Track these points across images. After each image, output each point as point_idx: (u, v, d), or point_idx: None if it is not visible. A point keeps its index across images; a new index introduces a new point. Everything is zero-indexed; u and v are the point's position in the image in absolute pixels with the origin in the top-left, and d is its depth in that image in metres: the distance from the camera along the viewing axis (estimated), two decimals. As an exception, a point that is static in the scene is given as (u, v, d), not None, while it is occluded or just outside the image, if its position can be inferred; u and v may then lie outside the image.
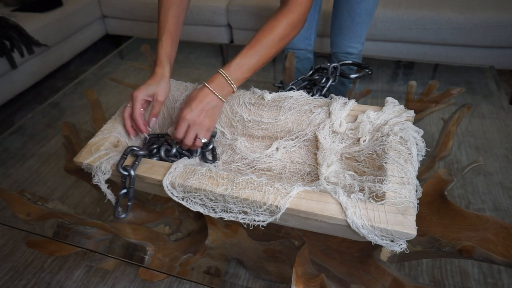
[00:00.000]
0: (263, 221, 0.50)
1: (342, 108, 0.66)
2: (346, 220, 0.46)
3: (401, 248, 0.46)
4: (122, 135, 0.67)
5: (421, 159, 0.57)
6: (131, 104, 0.67)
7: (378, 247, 0.54)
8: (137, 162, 0.57)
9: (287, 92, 0.72)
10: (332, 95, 0.69)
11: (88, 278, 1.06)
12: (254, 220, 0.51)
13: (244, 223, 0.51)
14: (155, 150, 0.65)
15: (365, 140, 0.62)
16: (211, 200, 0.53)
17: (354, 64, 0.96)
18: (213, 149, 0.70)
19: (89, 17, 2.21)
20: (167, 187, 0.54)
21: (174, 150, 0.65)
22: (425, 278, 0.71)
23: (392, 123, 0.61)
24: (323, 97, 0.72)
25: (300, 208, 0.47)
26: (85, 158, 0.60)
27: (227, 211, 0.53)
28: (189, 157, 0.65)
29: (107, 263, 0.77)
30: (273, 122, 0.71)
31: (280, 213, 0.48)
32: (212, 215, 0.53)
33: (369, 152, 0.60)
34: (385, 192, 0.48)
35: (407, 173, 0.51)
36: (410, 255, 0.54)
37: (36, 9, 1.97)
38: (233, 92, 0.66)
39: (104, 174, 0.58)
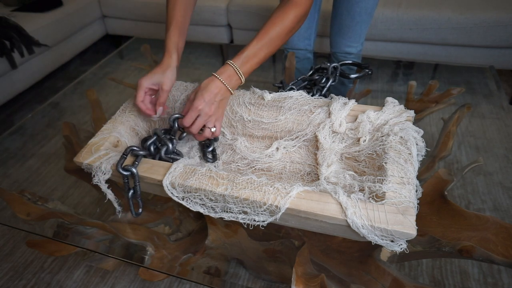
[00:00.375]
0: (263, 221, 0.50)
1: (342, 108, 0.66)
2: (346, 220, 0.46)
3: (401, 248, 0.46)
4: (122, 135, 0.67)
5: (421, 159, 0.57)
6: (138, 91, 0.68)
7: (378, 247, 0.54)
8: (137, 162, 0.57)
9: (287, 92, 0.72)
10: (332, 95, 0.69)
11: (88, 278, 1.06)
12: (254, 220, 0.51)
13: (244, 223, 0.51)
14: (154, 150, 0.65)
15: (365, 140, 0.62)
16: (211, 200, 0.53)
17: (354, 64, 0.96)
18: (213, 150, 0.70)
19: (89, 17, 2.21)
20: (167, 187, 0.54)
21: (170, 146, 0.65)
22: (425, 278, 0.71)
23: (392, 123, 0.61)
24: (323, 97, 0.72)
25: (300, 208, 0.47)
26: (85, 158, 0.60)
27: (227, 211, 0.53)
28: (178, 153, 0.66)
29: (107, 263, 0.77)
30: (273, 122, 0.71)
31: (280, 213, 0.48)
32: (212, 215, 0.53)
33: (369, 152, 0.60)
34: (385, 192, 0.48)
35: (407, 173, 0.51)
36: (410, 255, 0.54)
37: (36, 9, 1.97)
38: (241, 83, 0.66)
39: (104, 174, 0.58)
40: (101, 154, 0.60)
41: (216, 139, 0.72)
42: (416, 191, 0.50)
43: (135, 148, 0.59)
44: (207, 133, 0.65)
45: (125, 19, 2.26)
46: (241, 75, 0.64)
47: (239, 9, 1.89)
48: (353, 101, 0.67)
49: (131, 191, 0.58)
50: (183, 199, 0.54)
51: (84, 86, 1.12)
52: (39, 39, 1.83)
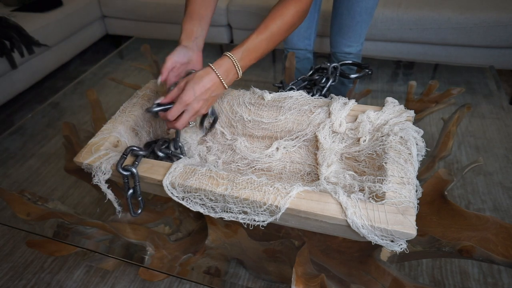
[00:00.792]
0: (263, 221, 0.50)
1: (342, 108, 0.66)
2: (346, 220, 0.46)
3: (401, 248, 0.46)
4: (122, 135, 0.67)
5: (421, 159, 0.57)
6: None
7: (378, 247, 0.54)
8: (137, 162, 0.57)
9: (287, 92, 0.72)
10: (332, 95, 0.69)
11: (88, 278, 1.06)
12: (254, 220, 0.51)
13: (244, 223, 0.51)
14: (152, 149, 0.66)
15: (365, 140, 0.62)
16: (211, 200, 0.53)
17: (354, 64, 0.96)
18: (215, 120, 0.69)
19: (89, 17, 2.21)
20: (167, 187, 0.54)
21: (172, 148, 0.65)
22: (425, 278, 0.70)
23: (392, 123, 0.61)
24: (323, 97, 0.72)
25: (300, 208, 0.47)
26: (85, 158, 0.60)
27: (227, 211, 0.53)
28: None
29: (107, 263, 0.77)
30: (273, 122, 0.71)
31: (280, 213, 0.48)
32: (212, 215, 0.53)
33: (369, 152, 0.60)
34: (385, 192, 0.48)
35: (407, 173, 0.51)
36: (410, 255, 0.54)
37: (36, 9, 1.97)
38: (238, 78, 0.63)
39: (104, 174, 0.58)
40: (101, 154, 0.60)
41: (215, 117, 0.69)
42: (416, 191, 0.50)
43: (135, 148, 0.59)
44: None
45: (125, 19, 2.26)
46: (239, 70, 0.61)
47: (239, 9, 1.90)
48: (353, 101, 0.67)
49: (131, 191, 0.58)
50: (183, 199, 0.54)
51: (84, 86, 1.11)
52: (39, 39, 1.83)
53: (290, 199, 0.48)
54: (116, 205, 0.62)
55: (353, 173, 0.59)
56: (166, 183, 0.54)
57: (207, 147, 0.74)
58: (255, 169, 0.69)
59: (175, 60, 0.66)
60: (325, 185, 0.52)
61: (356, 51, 1.14)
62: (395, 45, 1.74)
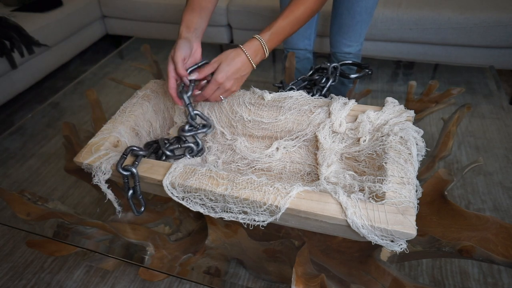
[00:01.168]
0: (263, 221, 0.50)
1: (342, 108, 0.66)
2: (346, 220, 0.46)
3: (401, 248, 0.46)
4: (122, 135, 0.67)
5: (421, 159, 0.57)
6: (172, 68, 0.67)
7: (378, 247, 0.54)
8: (137, 162, 0.57)
9: (287, 92, 0.72)
10: (332, 95, 0.69)
11: (88, 278, 1.06)
12: (254, 220, 0.51)
13: (244, 223, 0.51)
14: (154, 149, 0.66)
15: (365, 140, 0.62)
16: (211, 200, 0.53)
17: (354, 64, 0.96)
18: (201, 150, 0.71)
19: (89, 17, 2.21)
20: (167, 187, 0.54)
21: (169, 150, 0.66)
22: (425, 278, 0.70)
23: (392, 123, 0.61)
24: (323, 97, 0.72)
25: (300, 208, 0.47)
26: (85, 158, 0.60)
27: (227, 211, 0.53)
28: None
29: (107, 263, 0.77)
30: (273, 122, 0.71)
31: (280, 213, 0.48)
32: (212, 215, 0.53)
33: (369, 152, 0.60)
34: (385, 192, 0.48)
35: (407, 173, 0.51)
36: (410, 255, 0.54)
37: (36, 9, 1.97)
38: (265, 58, 0.68)
39: (104, 174, 0.58)
40: (101, 154, 0.60)
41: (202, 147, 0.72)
42: (416, 191, 0.50)
43: (135, 148, 0.59)
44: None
45: (125, 19, 2.26)
46: (266, 51, 0.66)
47: (239, 9, 1.90)
48: (353, 101, 0.67)
49: (131, 191, 0.58)
50: (183, 199, 0.54)
51: (84, 86, 1.11)
52: (39, 39, 1.83)
53: (290, 199, 0.48)
54: (116, 205, 0.62)
55: (353, 173, 0.59)
56: (166, 183, 0.54)
57: (207, 147, 0.74)
58: (255, 169, 0.69)
59: (183, 56, 0.67)
60: (325, 185, 0.52)
61: (356, 51, 1.14)
62: (395, 45, 1.74)
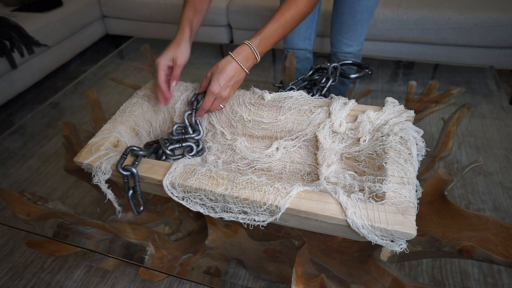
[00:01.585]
0: (263, 221, 0.50)
1: (342, 108, 0.66)
2: (346, 220, 0.46)
3: (401, 248, 0.46)
4: (122, 135, 0.67)
5: (421, 159, 0.57)
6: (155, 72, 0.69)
7: (378, 247, 0.54)
8: (137, 162, 0.57)
9: (287, 92, 0.71)
10: (332, 95, 0.69)
11: (88, 278, 1.06)
12: (254, 220, 0.51)
13: (244, 223, 0.51)
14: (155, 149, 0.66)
15: (365, 140, 0.62)
16: (211, 200, 0.53)
17: (354, 64, 0.96)
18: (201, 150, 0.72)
19: (89, 17, 2.21)
20: (167, 187, 0.54)
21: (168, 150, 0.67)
22: (425, 278, 0.71)
23: (392, 123, 0.61)
24: (323, 97, 0.72)
25: (300, 208, 0.47)
26: (85, 158, 0.60)
27: (227, 211, 0.53)
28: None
29: (107, 263, 0.77)
30: (273, 122, 0.71)
31: (280, 213, 0.48)
32: (212, 215, 0.53)
33: (369, 152, 0.60)
34: (385, 192, 0.48)
35: (407, 173, 0.51)
36: (410, 255, 0.54)
37: (36, 9, 1.97)
38: (256, 63, 0.68)
39: (104, 174, 0.58)
40: (101, 154, 0.60)
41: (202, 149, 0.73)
42: (416, 191, 0.50)
43: (135, 148, 0.59)
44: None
45: (125, 19, 2.26)
46: (257, 55, 0.67)
47: (239, 9, 1.90)
48: (353, 101, 0.67)
49: (131, 191, 0.58)
50: (183, 199, 0.54)
51: (84, 86, 1.11)
52: (39, 39, 1.83)
53: (290, 199, 0.48)
54: (116, 205, 0.62)
55: (353, 173, 0.59)
56: (166, 183, 0.54)
57: (207, 147, 0.74)
58: (255, 169, 0.69)
59: (165, 67, 0.70)
60: (325, 185, 0.52)
61: (356, 51, 1.14)
62: (395, 45, 1.74)
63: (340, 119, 0.65)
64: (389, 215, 0.45)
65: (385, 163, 0.53)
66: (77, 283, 1.05)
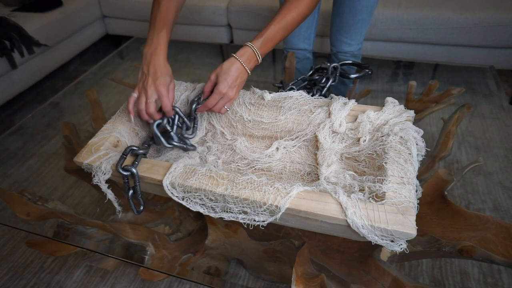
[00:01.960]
0: (263, 221, 0.50)
1: (342, 108, 0.66)
2: (346, 220, 0.46)
3: (401, 248, 0.46)
4: (122, 135, 0.67)
5: (421, 159, 0.57)
6: (155, 99, 0.67)
7: (378, 247, 0.54)
8: (136, 162, 0.57)
9: (287, 92, 0.72)
10: (332, 95, 0.69)
11: (88, 278, 1.06)
12: (254, 220, 0.51)
13: (244, 223, 0.51)
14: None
15: (365, 140, 0.62)
16: (211, 200, 0.53)
17: (354, 64, 0.96)
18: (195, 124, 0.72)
19: (89, 17, 2.21)
20: (167, 187, 0.54)
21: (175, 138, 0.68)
22: (425, 278, 0.71)
23: (392, 123, 0.61)
24: (323, 97, 0.72)
25: (300, 208, 0.47)
26: (85, 158, 0.60)
27: (227, 211, 0.53)
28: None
29: (107, 263, 0.77)
30: (273, 122, 0.71)
31: (280, 213, 0.48)
32: (212, 215, 0.53)
33: (369, 152, 0.60)
34: (385, 192, 0.48)
35: (407, 173, 0.51)
36: (410, 255, 0.54)
37: (36, 9, 1.97)
38: (258, 64, 0.69)
39: (104, 174, 0.58)
40: (101, 154, 0.60)
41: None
42: (416, 191, 0.50)
43: (135, 148, 0.59)
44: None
45: (125, 19, 2.26)
46: (259, 57, 0.67)
47: (239, 9, 1.89)
48: (353, 101, 0.67)
49: (131, 191, 0.58)
50: (183, 199, 0.54)
51: (84, 86, 1.11)
52: (39, 39, 1.83)
53: (290, 199, 0.48)
54: (116, 205, 0.62)
55: (353, 173, 0.59)
56: (166, 183, 0.54)
57: (207, 147, 0.74)
58: (255, 169, 0.69)
59: (168, 88, 0.68)
60: (325, 185, 0.52)
61: (356, 50, 1.14)
62: (395, 45, 1.74)
63: (340, 119, 0.65)
64: (389, 215, 0.45)
65: (385, 163, 0.53)
66: (77, 283, 1.05)
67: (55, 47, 2.00)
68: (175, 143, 0.67)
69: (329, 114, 0.66)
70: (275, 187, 0.50)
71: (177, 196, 0.54)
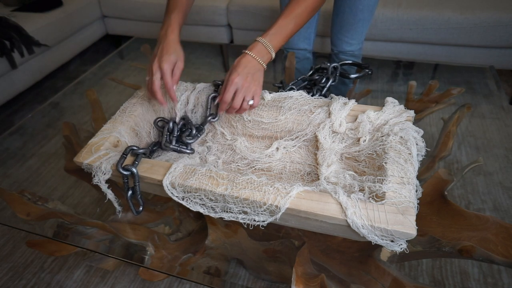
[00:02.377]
0: (263, 221, 0.50)
1: (342, 108, 0.66)
2: (346, 220, 0.46)
3: (401, 248, 0.46)
4: (122, 135, 0.67)
5: (421, 159, 0.57)
6: (159, 76, 0.67)
7: (378, 247, 0.54)
8: (136, 162, 0.57)
9: (287, 92, 0.72)
10: (332, 95, 0.69)
11: (88, 278, 1.06)
12: (254, 220, 0.51)
13: (244, 223, 0.51)
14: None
15: (365, 140, 0.62)
16: (211, 200, 0.53)
17: (354, 64, 0.96)
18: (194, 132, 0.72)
19: (89, 17, 2.21)
20: (167, 187, 0.54)
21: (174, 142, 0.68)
22: (425, 278, 0.71)
23: (392, 123, 0.61)
24: (323, 97, 0.72)
25: (300, 208, 0.47)
26: (85, 158, 0.60)
27: (227, 211, 0.53)
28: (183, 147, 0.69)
29: (107, 263, 0.77)
30: (273, 122, 0.71)
31: (280, 213, 0.48)
32: (212, 215, 0.53)
33: (369, 152, 0.60)
34: (385, 192, 0.48)
35: (407, 173, 0.51)
36: (410, 255, 0.54)
37: (36, 9, 1.97)
38: (271, 58, 0.69)
39: (104, 174, 0.58)
40: (101, 154, 0.60)
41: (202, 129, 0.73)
42: (416, 191, 0.50)
43: (135, 147, 0.59)
44: (245, 106, 0.67)
45: (125, 19, 2.26)
46: (271, 49, 0.67)
47: (239, 9, 1.89)
48: (353, 101, 0.67)
49: (130, 191, 0.58)
50: (183, 199, 0.54)
51: (84, 86, 1.11)
52: (39, 39, 1.83)
53: (290, 199, 0.48)
54: (116, 205, 0.62)
55: (353, 173, 0.59)
56: (166, 183, 0.54)
57: (207, 147, 0.74)
58: (255, 169, 0.69)
59: (172, 65, 0.69)
60: (325, 185, 0.52)
61: (357, 49, 1.14)
62: (395, 45, 1.74)
63: (340, 119, 0.65)
64: (389, 215, 0.45)
65: (385, 163, 0.53)
66: (77, 283, 1.05)
67: (55, 47, 2.00)
68: (171, 146, 0.68)
69: (329, 114, 0.66)
70: (275, 187, 0.50)
71: (177, 196, 0.54)
